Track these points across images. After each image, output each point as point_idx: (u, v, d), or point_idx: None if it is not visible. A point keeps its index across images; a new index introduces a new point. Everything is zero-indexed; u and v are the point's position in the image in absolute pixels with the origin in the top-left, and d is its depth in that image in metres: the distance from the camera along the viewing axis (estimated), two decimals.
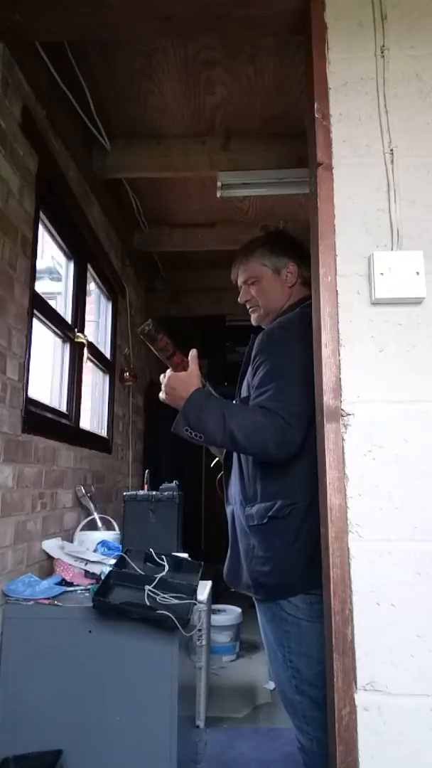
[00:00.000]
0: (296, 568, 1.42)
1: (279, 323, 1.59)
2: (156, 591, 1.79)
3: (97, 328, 3.44)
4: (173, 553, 2.18)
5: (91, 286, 3.22)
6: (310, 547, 1.33)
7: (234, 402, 1.62)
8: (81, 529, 2.48)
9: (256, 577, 1.48)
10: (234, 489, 1.61)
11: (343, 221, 1.32)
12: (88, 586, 1.96)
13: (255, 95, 2.46)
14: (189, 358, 1.55)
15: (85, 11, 1.55)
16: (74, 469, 2.60)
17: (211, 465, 1.85)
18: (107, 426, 3.39)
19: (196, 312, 4.94)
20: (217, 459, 1.79)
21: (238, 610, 3.72)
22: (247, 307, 1.74)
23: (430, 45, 1.39)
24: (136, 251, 3.84)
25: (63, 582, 2.01)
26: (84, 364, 2.86)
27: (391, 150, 1.34)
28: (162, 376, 1.57)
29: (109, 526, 2.59)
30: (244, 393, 1.60)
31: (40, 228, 2.28)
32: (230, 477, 1.65)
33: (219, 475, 1.76)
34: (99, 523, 2.56)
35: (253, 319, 1.74)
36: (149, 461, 4.12)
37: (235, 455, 1.62)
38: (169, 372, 1.55)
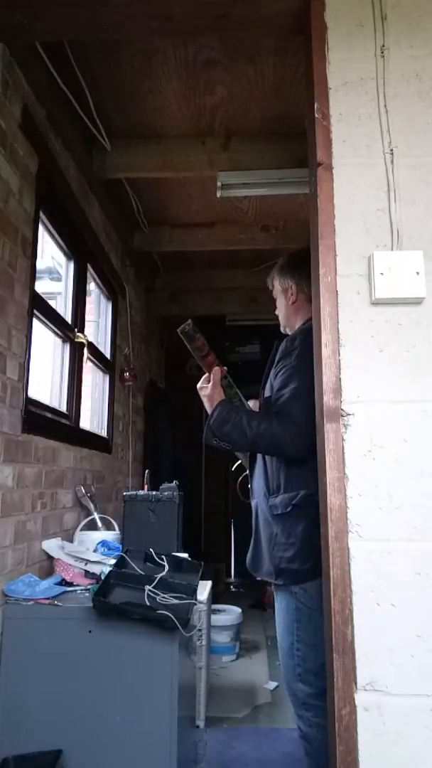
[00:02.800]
0: (316, 554, 1.48)
1: (301, 329, 1.73)
2: (156, 591, 1.79)
3: (97, 328, 3.44)
4: (173, 553, 2.18)
5: (91, 286, 3.21)
6: None
7: (256, 400, 1.82)
8: (81, 529, 2.48)
9: (278, 563, 1.59)
10: (258, 483, 1.74)
11: (343, 221, 1.32)
12: (88, 586, 1.96)
13: (255, 95, 2.46)
14: (212, 373, 1.73)
15: (85, 11, 1.55)
16: (74, 469, 2.60)
17: (233, 468, 2.00)
18: (107, 426, 3.39)
19: (196, 312, 4.92)
20: (239, 462, 1.93)
21: (238, 610, 3.72)
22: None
23: (430, 45, 1.39)
24: (136, 251, 3.84)
25: (63, 582, 2.01)
26: (84, 364, 2.86)
27: (391, 150, 1.34)
28: (198, 389, 1.76)
29: (109, 526, 2.59)
30: (266, 393, 1.74)
31: (40, 228, 2.28)
32: (254, 472, 1.78)
33: (240, 477, 1.86)
34: (99, 523, 2.56)
35: (282, 329, 1.92)
36: (149, 461, 4.12)
37: (258, 454, 1.76)
38: (198, 386, 1.75)
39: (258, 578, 1.73)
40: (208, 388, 1.72)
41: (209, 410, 1.70)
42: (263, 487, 1.70)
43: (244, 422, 1.61)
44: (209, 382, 1.72)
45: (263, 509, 1.69)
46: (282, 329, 1.91)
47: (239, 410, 1.68)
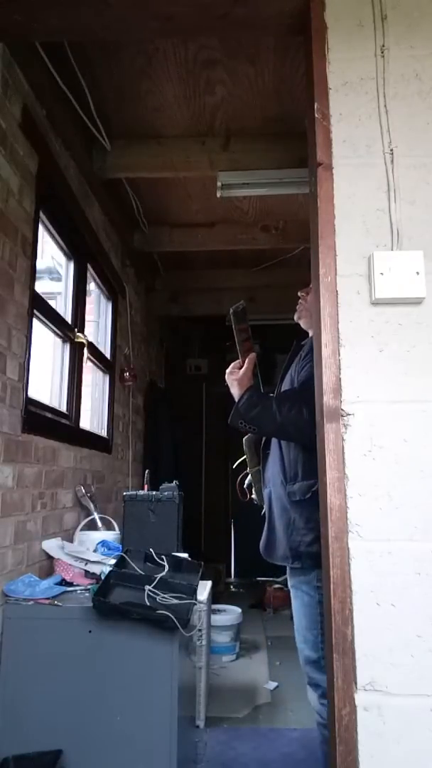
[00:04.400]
0: None
1: None
2: (156, 591, 1.79)
3: (97, 328, 3.44)
4: (173, 553, 2.18)
5: (91, 286, 3.21)
6: None
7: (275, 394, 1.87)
8: (81, 529, 2.48)
9: (296, 547, 1.66)
10: (272, 471, 1.80)
11: (343, 221, 1.32)
12: (88, 586, 1.96)
13: (255, 95, 2.46)
14: (247, 359, 1.77)
15: (85, 11, 1.55)
16: (74, 469, 2.60)
17: (234, 466, 2.03)
18: (107, 426, 3.39)
19: (196, 312, 4.94)
20: (243, 458, 1.95)
21: (238, 610, 3.72)
22: (299, 299, 1.95)
23: (430, 45, 1.39)
24: (136, 251, 3.84)
25: (63, 582, 2.01)
26: (84, 364, 2.86)
27: (391, 150, 1.34)
28: (227, 373, 1.80)
29: (109, 526, 2.59)
30: (286, 386, 1.82)
31: (40, 228, 2.28)
32: (267, 462, 1.85)
33: (240, 476, 1.96)
34: (99, 523, 2.56)
35: (295, 315, 1.96)
36: (149, 461, 4.12)
37: (274, 443, 1.81)
38: (228, 370, 1.79)
39: (271, 563, 1.78)
40: (239, 373, 1.76)
41: (237, 394, 1.74)
42: (279, 475, 1.75)
43: (274, 407, 1.66)
44: (239, 368, 1.77)
45: (279, 496, 1.74)
46: (297, 318, 1.94)
47: (269, 396, 1.74)
